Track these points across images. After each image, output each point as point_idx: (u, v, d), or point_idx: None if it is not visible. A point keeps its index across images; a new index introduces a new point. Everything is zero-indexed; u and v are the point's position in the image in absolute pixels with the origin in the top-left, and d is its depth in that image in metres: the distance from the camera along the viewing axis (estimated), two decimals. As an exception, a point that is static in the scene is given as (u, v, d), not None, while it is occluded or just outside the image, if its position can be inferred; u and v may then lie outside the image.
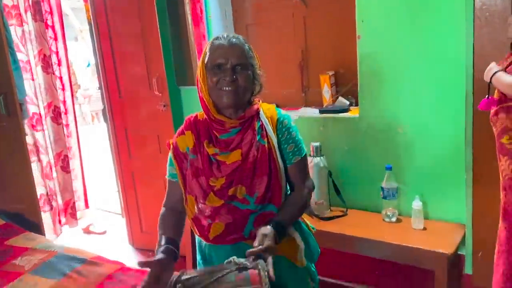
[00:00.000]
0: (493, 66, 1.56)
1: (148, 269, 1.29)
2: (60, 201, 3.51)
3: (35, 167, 3.28)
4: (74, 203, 3.59)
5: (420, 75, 2.05)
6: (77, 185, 3.68)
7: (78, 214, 3.70)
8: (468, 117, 1.86)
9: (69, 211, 3.57)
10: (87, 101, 8.15)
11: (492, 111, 1.56)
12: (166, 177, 1.50)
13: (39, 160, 3.32)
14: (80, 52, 7.96)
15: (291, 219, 1.41)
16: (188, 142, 1.43)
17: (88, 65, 8.33)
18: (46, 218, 3.39)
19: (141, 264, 1.28)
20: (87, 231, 3.76)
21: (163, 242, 1.37)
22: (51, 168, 3.40)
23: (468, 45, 1.82)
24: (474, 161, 1.87)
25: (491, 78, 1.52)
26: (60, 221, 3.51)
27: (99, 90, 3.61)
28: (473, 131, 1.84)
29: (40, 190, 3.34)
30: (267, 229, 1.28)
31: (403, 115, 2.13)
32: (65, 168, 3.50)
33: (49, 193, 3.40)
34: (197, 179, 1.39)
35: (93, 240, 3.62)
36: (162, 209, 1.51)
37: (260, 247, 1.21)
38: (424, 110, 2.07)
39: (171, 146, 1.47)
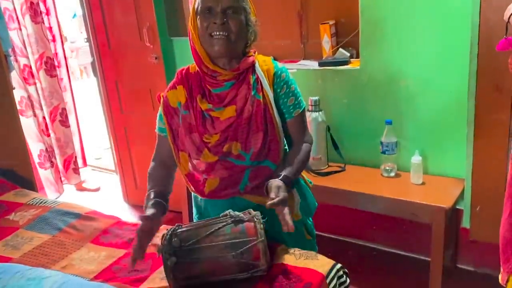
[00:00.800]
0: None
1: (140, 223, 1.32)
2: (59, 158, 3.53)
3: (31, 122, 3.28)
4: (76, 158, 3.62)
5: (424, 25, 2.03)
6: (74, 142, 3.69)
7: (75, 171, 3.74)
8: (472, 68, 1.86)
9: (72, 166, 3.60)
10: (75, 54, 8.01)
11: None
12: (156, 130, 1.50)
13: (35, 115, 3.31)
14: (66, 1, 7.74)
15: (296, 172, 1.41)
16: (179, 97, 1.42)
17: (74, 15, 8.12)
18: (47, 175, 3.43)
19: (142, 218, 1.31)
20: (80, 188, 3.80)
21: (152, 195, 1.40)
22: (46, 125, 3.39)
23: (475, -7, 1.79)
24: (476, 114, 1.88)
25: (509, 17, 1.47)
26: (61, 179, 3.56)
27: (87, 43, 3.54)
28: (477, 83, 1.84)
29: (39, 146, 3.35)
30: (279, 181, 1.29)
31: (405, 67, 2.13)
32: (64, 122, 3.49)
33: (48, 149, 3.41)
34: (190, 136, 1.39)
35: (87, 197, 3.67)
36: (152, 163, 1.53)
37: (279, 198, 1.21)
38: (428, 61, 2.06)
39: (162, 100, 1.45)
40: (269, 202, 1.20)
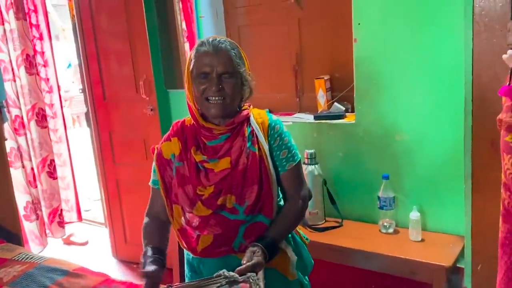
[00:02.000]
0: None
1: (142, 281, 1.31)
2: (44, 210, 3.50)
3: (19, 174, 3.28)
4: (61, 211, 3.58)
5: (418, 80, 2.10)
6: (68, 195, 3.68)
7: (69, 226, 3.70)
8: (467, 124, 1.90)
9: (57, 219, 3.55)
10: (68, 103, 8.11)
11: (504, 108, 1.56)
12: (149, 183, 1.52)
13: (23, 166, 3.32)
14: (61, 52, 7.94)
15: (284, 233, 1.42)
16: (174, 148, 1.44)
17: (69, 66, 8.30)
18: (32, 227, 3.39)
19: (144, 274, 1.30)
20: (67, 241, 3.75)
21: (149, 253, 1.38)
22: (34, 176, 3.39)
23: (467, 50, 1.86)
24: (474, 169, 1.91)
25: None
26: (45, 232, 3.50)
27: (81, 93, 3.63)
28: (473, 139, 1.88)
29: (26, 198, 3.33)
30: (256, 246, 1.30)
31: (400, 122, 2.18)
32: (52, 174, 3.49)
33: (34, 201, 3.39)
34: (184, 188, 1.41)
35: (74, 252, 3.61)
36: (145, 219, 1.53)
37: (248, 263, 1.23)
38: (422, 116, 2.12)
39: (155, 152, 1.48)
40: (238, 268, 1.21)
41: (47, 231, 3.52)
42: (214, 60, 1.34)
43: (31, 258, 2.00)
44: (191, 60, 1.38)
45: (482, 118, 1.73)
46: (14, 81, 3.23)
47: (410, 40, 2.07)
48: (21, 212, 3.32)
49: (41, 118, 3.39)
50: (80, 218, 3.80)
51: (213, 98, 1.34)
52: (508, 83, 1.50)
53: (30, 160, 3.37)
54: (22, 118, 3.30)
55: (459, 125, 1.96)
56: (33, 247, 3.37)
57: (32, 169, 3.38)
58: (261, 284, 1.22)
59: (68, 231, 3.77)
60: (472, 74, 1.84)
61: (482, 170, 1.88)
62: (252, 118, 1.45)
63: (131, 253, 3.29)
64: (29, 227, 3.38)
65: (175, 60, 2.96)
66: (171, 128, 1.49)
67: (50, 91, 3.50)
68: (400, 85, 2.15)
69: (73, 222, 3.73)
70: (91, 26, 3.09)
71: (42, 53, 3.41)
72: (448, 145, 2.07)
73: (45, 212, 3.50)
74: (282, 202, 1.50)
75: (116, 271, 3.21)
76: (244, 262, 1.25)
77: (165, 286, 1.27)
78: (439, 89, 2.06)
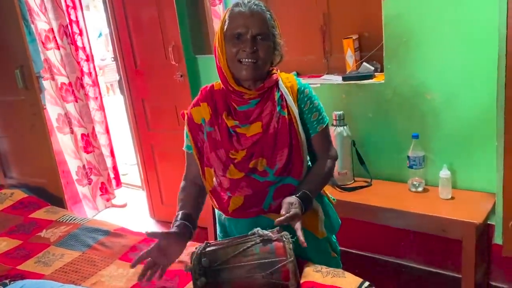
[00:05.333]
0: None
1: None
2: (97, 176, 3.68)
3: (68, 139, 3.40)
4: (109, 176, 3.75)
5: (449, 37, 2.02)
6: (110, 162, 3.82)
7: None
8: (500, 81, 1.83)
9: (106, 186, 3.74)
10: (101, 72, 8.25)
11: None
12: (183, 148, 1.53)
13: (72, 132, 3.42)
14: (92, 21, 8.00)
15: (316, 189, 1.43)
16: (204, 113, 1.44)
17: (100, 35, 8.38)
18: (85, 192, 3.56)
19: (149, 234, 1.33)
20: (108, 204, 3.89)
21: (179, 217, 1.40)
22: (87, 141, 3.52)
23: (501, 5, 1.77)
24: (506, 127, 1.85)
25: None
26: (103, 196, 3.69)
27: (113, 61, 3.68)
28: (506, 96, 1.82)
29: (76, 163, 3.47)
30: (293, 198, 1.32)
31: (431, 81, 2.11)
32: (96, 142, 3.64)
33: (87, 167, 3.53)
34: (216, 152, 1.42)
35: (114, 214, 3.75)
36: (182, 182, 1.55)
37: (287, 215, 1.24)
38: (454, 74, 2.05)
39: (186, 117, 1.48)
40: (277, 220, 1.22)
41: (100, 195, 3.70)
42: (249, 21, 1.31)
43: (74, 219, 2.10)
44: (225, 21, 1.35)
45: (516, 74, 1.65)
46: (58, 49, 3.30)
47: (441, -5, 1.98)
48: (74, 176, 3.48)
49: (84, 88, 3.48)
50: (118, 184, 3.94)
51: (246, 60, 1.31)
52: None
53: (82, 126, 3.49)
54: (69, 85, 3.38)
55: (491, 83, 1.89)
56: (88, 211, 3.54)
57: (83, 135, 3.49)
58: (299, 233, 1.21)
59: (114, 195, 3.92)
60: (507, 29, 1.76)
61: (515, 127, 1.82)
62: (280, 83, 1.43)
63: (167, 214, 3.39)
64: (82, 191, 3.54)
65: (203, 26, 2.94)
66: (199, 93, 1.49)
67: (87, 59, 3.56)
68: (431, 43, 2.07)
69: (115, 189, 3.89)
70: (119, -5, 3.09)
71: (77, 22, 3.45)
72: (480, 103, 2.00)
73: (100, 178, 3.67)
74: (310, 164, 1.50)
75: (155, 231, 3.32)
76: (284, 213, 1.25)
77: (203, 243, 1.31)
78: (471, 46, 1.97)
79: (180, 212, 1.42)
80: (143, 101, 3.27)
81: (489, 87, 1.91)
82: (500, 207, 1.96)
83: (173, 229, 1.36)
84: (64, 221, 2.09)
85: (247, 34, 1.31)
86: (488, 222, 2.00)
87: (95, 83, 3.66)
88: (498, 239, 2.01)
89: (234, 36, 1.32)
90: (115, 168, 3.91)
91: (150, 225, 3.46)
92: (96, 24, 8.02)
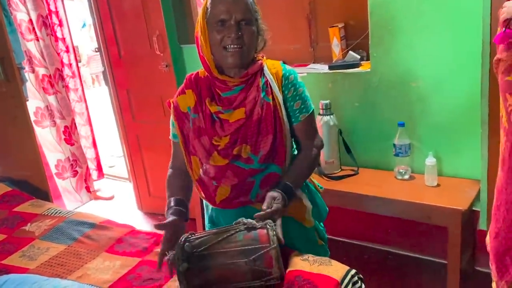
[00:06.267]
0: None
1: (163, 232, 1.34)
2: (82, 168, 3.64)
3: (47, 133, 3.35)
4: (87, 168, 3.72)
5: (434, 25, 2.02)
6: (92, 154, 3.77)
7: (95, 184, 3.83)
8: (484, 69, 1.84)
9: (87, 178, 3.70)
10: (85, 62, 8.13)
11: (498, 53, 1.50)
12: (170, 137, 1.52)
13: (55, 124, 3.38)
14: (75, 11, 7.85)
15: (300, 180, 1.43)
16: (189, 101, 1.43)
17: (84, 25, 8.24)
18: (65, 185, 3.51)
19: (157, 226, 1.33)
20: (94, 197, 3.85)
21: (172, 204, 1.41)
22: (70, 133, 3.48)
23: (485, -8, 1.78)
24: (490, 114, 1.87)
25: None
26: (88, 188, 3.66)
27: (97, 52, 3.63)
28: (490, 83, 1.83)
29: (56, 156, 3.42)
30: (276, 192, 1.32)
31: (416, 68, 2.12)
32: (77, 133, 3.59)
33: (71, 159, 3.48)
34: (200, 139, 1.41)
35: (101, 206, 3.72)
36: (169, 171, 1.54)
37: (268, 210, 1.25)
38: (439, 62, 2.05)
39: (172, 106, 1.47)
40: (257, 214, 1.24)
41: (88, 186, 3.68)
42: (232, 7, 1.29)
43: (60, 212, 2.07)
44: (206, 9, 1.32)
45: (500, 61, 1.66)
46: (38, 40, 3.24)
47: (426, -17, 1.98)
48: (53, 170, 3.43)
49: (64, 79, 3.43)
50: (101, 175, 3.91)
51: (232, 46, 1.29)
52: (503, 29, 1.42)
53: (63, 118, 3.44)
54: (50, 76, 3.33)
55: (475, 70, 1.90)
56: (68, 204, 3.50)
57: (66, 127, 3.44)
58: (279, 230, 1.24)
59: (94, 187, 3.88)
60: (491, 17, 1.76)
61: (498, 115, 1.83)
62: (265, 69, 1.42)
63: (155, 205, 3.38)
64: (62, 185, 3.50)
65: (187, 15, 2.90)
66: (184, 80, 1.47)
67: (67, 50, 3.50)
68: (416, 31, 2.07)
69: (95, 180, 3.86)
70: (102, -16, 3.03)
71: (56, 12, 3.38)
72: (465, 91, 2.02)
73: (84, 170, 3.63)
74: (296, 152, 1.50)
75: (142, 223, 3.31)
76: (264, 208, 1.26)
77: (188, 233, 1.31)
78: (455, 34, 1.98)
79: (172, 199, 1.43)
80: (128, 91, 3.23)
81: (473, 75, 1.93)
82: (484, 193, 1.99)
83: (172, 217, 1.36)
84: (49, 214, 2.06)
85: (231, 20, 1.29)
86: (473, 209, 2.02)
87: (75, 75, 3.60)
88: (483, 225, 2.03)
89: (217, 23, 1.30)
90: (97, 159, 3.87)
91: (138, 217, 3.44)
92: (79, 15, 7.88)
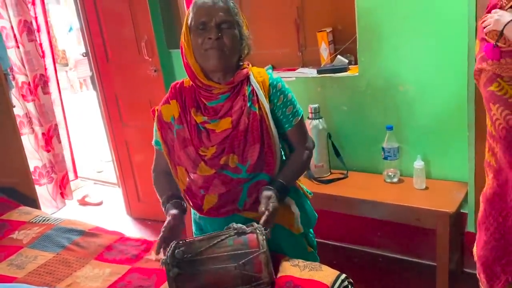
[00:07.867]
0: (503, 14, 1.37)
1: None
2: (59, 174, 3.59)
3: (26, 140, 3.31)
4: (66, 172, 3.68)
5: (421, 30, 2.04)
6: (66, 156, 3.74)
7: (72, 185, 3.79)
8: (470, 72, 1.87)
9: (65, 182, 3.65)
10: (73, 67, 8.06)
11: (478, 63, 1.49)
12: (152, 143, 1.52)
13: (33, 132, 3.34)
14: (62, 16, 7.80)
15: (292, 178, 1.44)
16: (173, 111, 1.42)
17: (70, 29, 8.18)
18: (42, 191, 3.46)
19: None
20: (83, 202, 3.82)
21: (168, 198, 1.44)
22: (47, 140, 3.44)
23: (470, -3, 1.81)
24: (477, 118, 1.90)
25: (505, 26, 1.39)
26: (62, 194, 3.60)
27: (85, 56, 3.60)
28: (476, 88, 1.86)
29: (33, 163, 3.38)
30: (269, 191, 1.33)
31: (404, 72, 2.14)
32: (59, 139, 3.56)
33: (48, 165, 3.45)
34: (185, 150, 1.40)
35: (89, 212, 3.69)
36: (153, 174, 1.56)
37: (267, 213, 1.27)
38: (426, 66, 2.08)
39: (156, 115, 1.46)
40: (261, 221, 1.26)
41: (64, 193, 3.62)
42: (212, 10, 1.30)
43: (48, 220, 2.05)
44: (189, 15, 1.34)
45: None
46: (18, 47, 3.21)
47: (413, -12, 2.00)
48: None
49: (44, 84, 3.40)
50: (76, 176, 3.90)
51: (212, 48, 1.30)
52: (495, 43, 1.41)
53: (41, 125, 3.39)
54: (29, 84, 3.30)
55: (462, 74, 1.93)
56: (45, 210, 3.46)
57: (44, 134, 3.41)
58: (268, 233, 1.26)
59: (83, 192, 3.85)
60: (476, 21, 1.79)
61: (485, 118, 1.85)
62: (252, 77, 1.41)
63: (144, 211, 3.36)
64: (39, 191, 3.46)
65: (176, 20, 2.90)
66: (169, 89, 1.47)
67: (43, 56, 3.48)
68: (403, 35, 2.10)
69: (71, 180, 3.83)
70: (89, -13, 3.02)
71: (35, 18, 3.38)
72: (452, 94, 2.04)
73: (59, 176, 3.57)
74: (284, 158, 1.50)
75: (132, 229, 3.29)
76: (263, 209, 1.28)
77: (173, 242, 1.30)
78: (442, 38, 2.00)
79: (165, 196, 1.46)
80: (116, 96, 3.21)
81: (460, 78, 1.95)
82: (472, 195, 2.02)
83: (174, 210, 1.39)
84: (37, 222, 2.04)
85: (211, 22, 1.29)
86: (461, 211, 2.05)
87: (50, 80, 3.57)
88: (470, 227, 2.06)
89: (198, 27, 1.31)
90: (73, 161, 3.87)
91: (127, 223, 3.42)
92: (66, 19, 7.82)
